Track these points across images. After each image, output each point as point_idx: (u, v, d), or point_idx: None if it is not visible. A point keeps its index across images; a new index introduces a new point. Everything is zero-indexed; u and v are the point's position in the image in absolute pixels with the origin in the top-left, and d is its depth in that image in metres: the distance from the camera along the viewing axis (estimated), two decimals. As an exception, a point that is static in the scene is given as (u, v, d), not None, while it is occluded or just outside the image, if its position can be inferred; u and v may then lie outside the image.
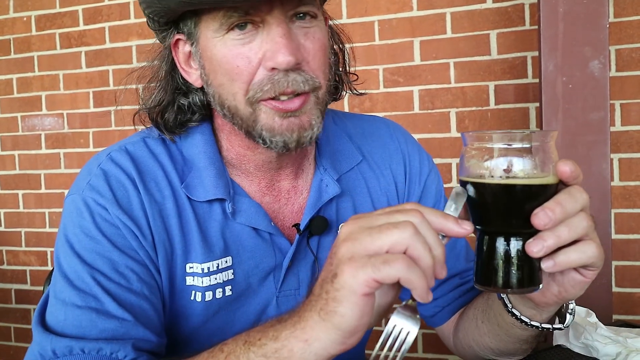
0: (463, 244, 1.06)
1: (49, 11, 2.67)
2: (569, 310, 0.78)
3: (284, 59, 0.77)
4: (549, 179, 0.63)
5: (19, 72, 2.75)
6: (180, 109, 0.92)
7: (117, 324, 0.79)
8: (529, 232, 0.63)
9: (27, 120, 2.75)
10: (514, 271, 0.64)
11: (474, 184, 0.64)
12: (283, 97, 0.81)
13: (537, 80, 2.01)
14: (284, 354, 0.63)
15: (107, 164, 0.87)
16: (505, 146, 0.62)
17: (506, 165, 0.62)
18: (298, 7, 0.80)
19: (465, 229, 0.62)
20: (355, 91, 1.04)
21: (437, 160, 2.18)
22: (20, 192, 2.78)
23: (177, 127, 0.92)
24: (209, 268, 0.87)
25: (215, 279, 0.88)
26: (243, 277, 0.90)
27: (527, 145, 0.62)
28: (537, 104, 2.04)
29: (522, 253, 0.63)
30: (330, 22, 0.96)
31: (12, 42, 2.75)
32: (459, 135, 2.17)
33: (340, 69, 0.99)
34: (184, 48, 0.89)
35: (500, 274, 0.64)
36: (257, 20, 0.79)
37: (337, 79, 0.98)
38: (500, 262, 0.64)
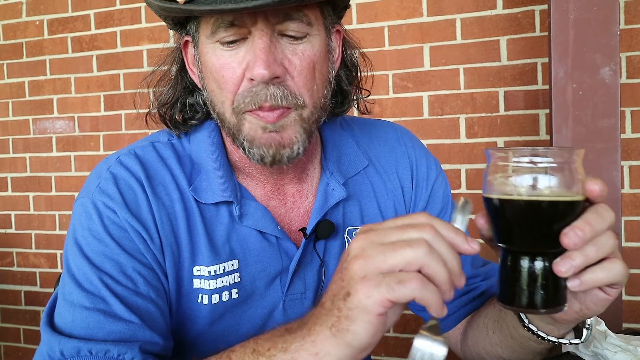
0: None
1: (61, 15, 2.70)
2: (586, 325, 0.77)
3: (258, 71, 0.78)
4: (577, 197, 0.61)
5: (31, 76, 2.77)
6: (184, 106, 0.94)
7: (124, 326, 0.79)
8: (555, 251, 0.61)
9: (39, 123, 2.78)
10: (539, 291, 0.62)
11: (500, 202, 0.62)
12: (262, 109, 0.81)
13: (547, 87, 2.01)
14: None
15: (116, 167, 0.88)
16: (532, 164, 0.61)
17: (533, 182, 0.61)
18: (284, 22, 0.80)
19: (474, 248, 0.61)
20: (361, 109, 1.04)
21: (446, 166, 2.18)
22: (30, 195, 2.80)
23: (182, 125, 0.94)
24: (215, 271, 0.88)
25: (222, 281, 0.88)
26: (249, 280, 0.90)
27: (555, 163, 0.61)
28: (547, 111, 2.03)
29: (548, 272, 0.62)
30: (343, 33, 0.96)
31: (24, 45, 2.77)
32: (468, 141, 2.16)
33: (350, 85, 0.99)
34: (191, 50, 0.91)
35: (526, 294, 0.63)
36: (244, 31, 0.80)
37: (344, 92, 0.98)
38: (525, 282, 0.62)
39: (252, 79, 0.80)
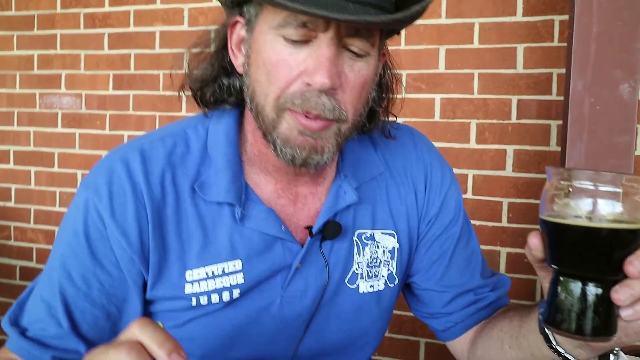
0: (479, 260, 1.05)
1: (75, -10, 2.67)
2: (614, 351, 0.77)
3: (320, 79, 0.76)
4: None
5: (40, 49, 2.75)
6: (219, 87, 0.92)
7: (55, 328, 0.84)
8: (613, 278, 0.60)
9: (45, 97, 2.75)
10: (591, 318, 0.61)
11: (561, 226, 0.60)
12: (308, 115, 0.80)
13: (561, 98, 2.00)
14: None
15: (117, 164, 0.87)
16: (596, 188, 0.59)
17: (598, 208, 0.59)
18: (353, 37, 0.78)
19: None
20: (385, 134, 1.02)
21: (454, 171, 2.16)
22: (32, 169, 2.78)
23: (211, 104, 0.93)
24: (213, 272, 0.87)
25: (221, 282, 0.88)
26: (254, 281, 0.90)
27: (620, 189, 0.59)
28: (560, 122, 2.02)
29: (603, 299, 0.60)
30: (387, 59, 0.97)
31: (36, 18, 2.75)
32: (478, 146, 2.15)
33: (382, 107, 0.98)
34: (240, 32, 0.88)
35: (577, 319, 0.61)
36: (312, 34, 0.78)
37: (372, 111, 0.96)
38: (578, 307, 0.61)
39: (309, 84, 0.78)
